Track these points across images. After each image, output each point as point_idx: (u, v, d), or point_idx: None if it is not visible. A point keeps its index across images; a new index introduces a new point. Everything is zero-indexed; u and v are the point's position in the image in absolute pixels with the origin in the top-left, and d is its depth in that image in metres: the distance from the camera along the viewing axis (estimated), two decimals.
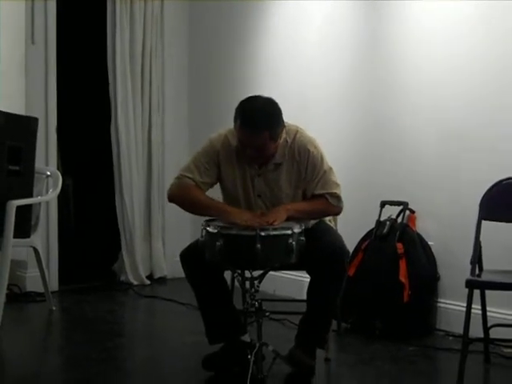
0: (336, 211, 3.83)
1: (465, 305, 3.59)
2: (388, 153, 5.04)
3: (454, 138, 4.61)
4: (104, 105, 6.41)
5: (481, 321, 3.90)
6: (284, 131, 3.70)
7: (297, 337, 3.79)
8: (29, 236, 5.19)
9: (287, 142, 3.71)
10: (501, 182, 3.87)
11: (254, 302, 3.54)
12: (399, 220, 4.79)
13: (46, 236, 5.91)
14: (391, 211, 4.84)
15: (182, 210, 3.86)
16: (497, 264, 3.90)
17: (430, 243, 4.72)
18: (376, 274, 4.62)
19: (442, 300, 4.69)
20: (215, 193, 3.85)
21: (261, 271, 3.62)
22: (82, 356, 4.20)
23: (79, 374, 3.91)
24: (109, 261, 6.61)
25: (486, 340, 3.96)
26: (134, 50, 6.36)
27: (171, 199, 3.81)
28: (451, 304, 4.59)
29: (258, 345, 3.52)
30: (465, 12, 4.57)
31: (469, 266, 3.70)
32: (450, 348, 4.24)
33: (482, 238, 3.79)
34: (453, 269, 4.54)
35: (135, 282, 6.32)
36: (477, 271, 3.73)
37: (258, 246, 3.39)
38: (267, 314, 3.61)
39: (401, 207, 4.82)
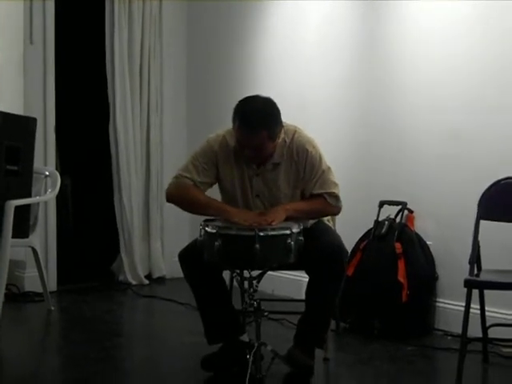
0: (335, 211, 3.84)
1: (463, 304, 3.60)
2: (386, 153, 5.05)
3: (453, 138, 4.61)
4: (102, 105, 6.40)
5: (479, 320, 3.90)
6: (282, 131, 3.70)
7: (295, 337, 3.80)
8: (27, 236, 5.19)
9: (285, 141, 3.71)
10: (499, 181, 3.88)
11: (252, 301, 3.54)
12: (398, 220, 4.79)
13: (45, 236, 5.90)
14: (390, 211, 4.84)
15: (181, 210, 3.86)
16: (495, 264, 3.90)
17: (428, 243, 4.72)
18: (374, 274, 4.62)
19: (441, 300, 4.69)
20: (214, 193, 3.84)
21: (259, 271, 3.62)
22: (80, 356, 4.20)
23: (77, 373, 3.92)
24: (107, 261, 6.60)
25: (485, 340, 3.97)
26: (132, 50, 6.35)
27: (169, 199, 3.82)
28: (450, 304, 4.59)
29: (256, 345, 3.52)
30: (462, 12, 4.57)
31: (467, 266, 3.70)
32: (449, 348, 4.24)
33: (480, 238, 3.79)
34: (451, 268, 4.55)
35: (134, 282, 6.31)
36: (475, 271, 3.73)
37: (257, 246, 3.39)
38: (266, 313, 3.61)
39: (399, 207, 4.82)
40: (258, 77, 6.08)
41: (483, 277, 3.70)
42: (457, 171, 4.60)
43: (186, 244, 3.86)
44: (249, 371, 3.44)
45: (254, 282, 3.56)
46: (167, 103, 6.64)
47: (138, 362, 4.27)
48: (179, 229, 6.37)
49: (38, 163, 5.44)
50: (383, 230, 4.74)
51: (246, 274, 3.64)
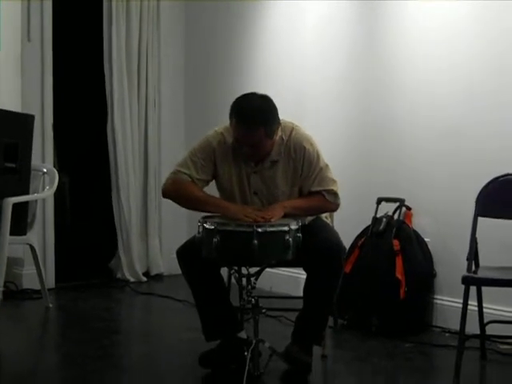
0: (333, 208, 3.84)
1: (461, 301, 3.60)
2: (384, 150, 5.05)
3: (451, 136, 4.62)
4: (100, 102, 6.40)
5: (477, 317, 3.90)
6: (280, 128, 3.70)
7: (293, 333, 3.80)
8: (25, 233, 5.19)
9: (283, 139, 3.71)
10: (497, 178, 3.88)
11: (250, 298, 3.54)
12: (395, 217, 4.79)
13: (43, 233, 5.90)
14: (387, 208, 4.84)
15: (179, 207, 3.87)
16: (493, 261, 3.90)
17: (426, 240, 4.72)
18: (372, 271, 4.62)
19: (439, 297, 4.69)
20: (212, 192, 3.84)
21: (257, 268, 3.62)
22: (78, 353, 4.20)
23: (75, 371, 3.92)
24: (105, 258, 6.60)
25: (483, 336, 3.97)
26: (130, 48, 6.35)
27: (166, 194, 3.81)
28: (447, 300, 4.59)
29: (254, 342, 3.52)
30: (460, 12, 4.57)
31: (465, 263, 3.70)
32: (447, 344, 4.25)
33: (478, 235, 3.79)
34: (449, 265, 4.55)
35: (132, 279, 6.31)
36: (473, 268, 3.73)
37: (255, 242, 3.39)
38: (264, 310, 3.62)
39: (397, 204, 4.82)
40: (255, 74, 6.08)
41: (481, 273, 3.70)
42: (455, 168, 4.61)
43: (183, 241, 3.86)
44: (247, 368, 3.45)
45: (252, 278, 3.56)
46: (165, 101, 6.64)
47: (136, 359, 4.27)
48: (177, 226, 6.37)
49: (35, 160, 5.45)
50: (381, 227, 4.74)
51: (244, 270, 3.64)
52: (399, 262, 4.56)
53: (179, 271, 3.84)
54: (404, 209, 4.81)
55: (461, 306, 3.59)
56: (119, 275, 6.40)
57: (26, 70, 5.88)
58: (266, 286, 5.38)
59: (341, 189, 3.80)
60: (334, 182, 3.76)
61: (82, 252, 6.68)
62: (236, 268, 3.71)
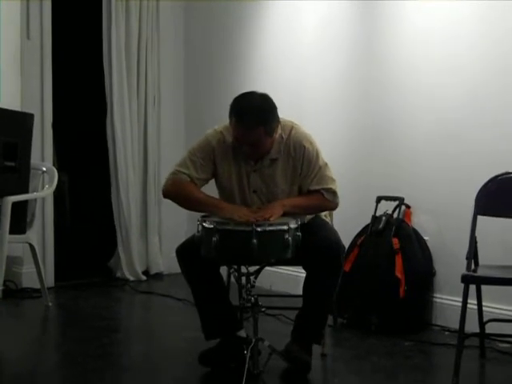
0: (332, 206, 3.84)
1: (461, 300, 3.60)
2: (384, 149, 5.05)
3: (451, 137, 4.62)
4: (100, 101, 6.40)
5: (477, 316, 3.90)
6: (279, 127, 3.70)
7: (293, 332, 3.80)
8: (24, 232, 5.20)
9: (282, 137, 3.71)
10: (496, 177, 3.88)
11: (250, 297, 3.54)
12: (395, 215, 4.80)
13: (42, 232, 5.90)
14: (387, 206, 4.84)
15: (178, 206, 3.86)
16: (492, 259, 3.91)
17: (425, 238, 4.72)
18: (372, 270, 4.63)
19: (438, 295, 4.69)
20: (211, 190, 3.84)
21: (257, 266, 3.62)
22: (78, 352, 4.20)
23: (75, 370, 3.92)
24: (105, 257, 6.60)
25: (482, 335, 3.97)
26: (129, 45, 6.35)
27: (166, 195, 3.82)
28: (447, 299, 4.60)
29: (254, 340, 3.52)
30: (462, 12, 4.56)
31: (464, 261, 3.70)
32: (446, 343, 4.25)
33: (477, 233, 3.79)
34: (449, 264, 4.55)
35: (131, 278, 6.31)
36: (472, 266, 3.73)
37: (254, 241, 3.39)
38: (263, 309, 3.61)
39: (396, 202, 4.82)
40: (255, 72, 6.08)
41: (480, 272, 3.70)
42: (454, 167, 4.61)
43: (183, 240, 3.86)
44: (246, 367, 3.44)
45: (252, 277, 3.56)
46: (165, 98, 6.65)
47: (136, 358, 4.28)
48: (177, 225, 6.38)
49: (35, 159, 5.45)
50: (380, 226, 4.74)
51: (243, 269, 3.64)
52: (399, 260, 4.56)
53: (179, 270, 3.84)
54: (403, 207, 4.82)
55: (460, 304, 3.59)
56: (119, 274, 6.40)
57: (26, 68, 5.88)
58: (265, 284, 5.39)
59: (340, 188, 3.80)
60: (333, 180, 3.76)
61: (81, 251, 6.69)
62: (235, 267, 3.71)
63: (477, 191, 3.87)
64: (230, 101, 3.65)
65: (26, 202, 5.21)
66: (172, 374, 3.90)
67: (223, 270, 3.86)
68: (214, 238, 3.44)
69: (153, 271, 6.56)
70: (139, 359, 4.22)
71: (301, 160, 3.71)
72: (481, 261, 3.81)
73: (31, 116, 5.27)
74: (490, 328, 3.96)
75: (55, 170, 5.42)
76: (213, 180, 3.86)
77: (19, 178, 5.11)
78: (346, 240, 4.25)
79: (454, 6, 4.60)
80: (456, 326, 3.67)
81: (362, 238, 4.81)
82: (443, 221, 4.68)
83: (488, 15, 4.44)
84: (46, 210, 5.94)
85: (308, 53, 5.60)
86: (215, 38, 6.49)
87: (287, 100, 5.24)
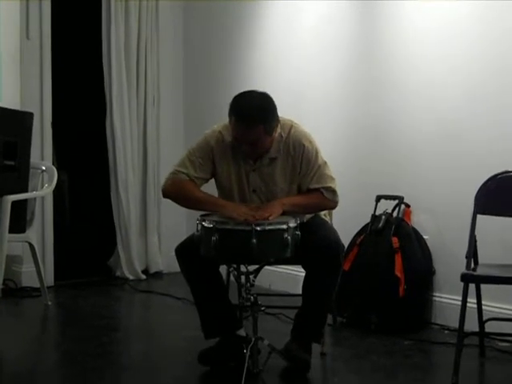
0: (331, 205, 3.84)
1: (460, 299, 3.60)
2: (383, 148, 5.05)
3: (451, 136, 4.61)
4: (99, 100, 6.40)
5: (476, 315, 3.90)
6: (279, 126, 3.70)
7: (292, 331, 3.80)
8: (24, 231, 5.20)
9: (282, 136, 3.71)
10: (496, 176, 3.88)
11: (249, 296, 3.55)
12: (395, 214, 4.80)
13: (42, 231, 5.90)
14: (386, 205, 4.84)
15: (178, 205, 3.87)
16: (492, 258, 3.91)
17: (425, 237, 4.72)
18: (371, 269, 4.63)
19: (438, 294, 4.70)
20: (210, 189, 3.84)
21: (256, 266, 3.62)
22: (77, 351, 4.20)
23: (75, 369, 3.92)
24: (104, 256, 6.60)
25: (482, 334, 3.97)
26: (129, 45, 6.34)
27: (165, 195, 3.82)
28: (447, 298, 4.60)
29: (253, 339, 3.52)
30: (462, 12, 4.56)
31: (464, 260, 3.70)
32: (446, 342, 4.25)
33: (477, 232, 3.79)
34: (448, 263, 4.55)
35: (131, 277, 6.31)
36: (472, 265, 3.73)
37: (254, 240, 3.39)
38: (263, 308, 3.62)
39: (396, 201, 4.82)
40: (254, 72, 6.08)
41: (480, 271, 3.70)
42: (454, 166, 4.61)
43: (183, 239, 3.86)
44: (246, 366, 3.45)
45: (251, 276, 3.56)
46: (164, 98, 6.64)
47: (136, 357, 4.28)
48: (176, 224, 6.37)
49: (34, 158, 5.44)
50: (380, 225, 4.74)
51: (242, 268, 3.64)
52: (398, 259, 4.56)
53: (178, 269, 3.84)
54: (403, 206, 4.81)
55: (460, 303, 3.60)
56: (118, 273, 6.40)
57: (25, 67, 5.88)
58: (264, 283, 5.39)
59: (340, 187, 3.79)
60: (333, 179, 3.76)
61: (80, 250, 6.68)
62: (235, 266, 3.71)
63: (476, 190, 3.87)
64: (229, 101, 3.65)
65: (25, 200, 5.21)
66: (171, 372, 3.90)
67: (223, 269, 3.86)
68: (214, 238, 3.44)
69: (152, 270, 6.56)
70: (139, 358, 4.22)
71: (300, 159, 3.71)
72: (480, 260, 3.82)
73: (31, 115, 5.27)
74: (490, 327, 3.96)
75: (55, 169, 5.42)
76: (212, 180, 3.86)
77: (19, 176, 5.11)
78: (346, 239, 4.25)
79: (452, 6, 4.60)
80: (455, 324, 3.67)
81: (362, 237, 4.81)
82: (443, 220, 4.68)
83: (486, 15, 4.44)
84: (45, 208, 5.94)
85: (307, 52, 5.60)
86: (214, 38, 6.49)
87: (287, 100, 5.22)
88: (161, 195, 3.92)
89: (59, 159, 6.81)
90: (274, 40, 5.92)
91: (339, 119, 5.36)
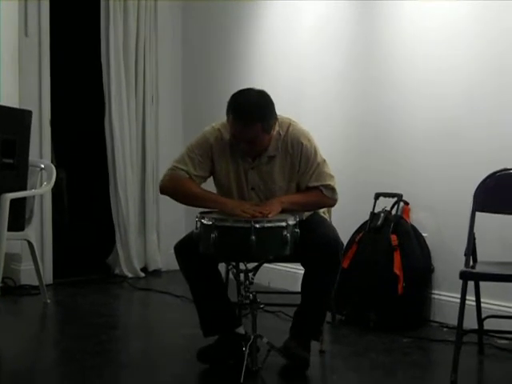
0: (330, 203, 3.84)
1: (459, 296, 3.60)
2: (383, 148, 5.05)
3: (449, 134, 4.62)
4: (98, 98, 6.39)
5: (475, 312, 3.91)
6: (277, 124, 3.70)
7: (291, 329, 3.80)
8: (23, 229, 5.19)
9: (280, 134, 3.71)
10: (495, 173, 3.88)
11: (248, 294, 3.55)
12: (393, 212, 4.80)
13: (40, 229, 5.90)
14: (385, 203, 4.84)
15: (177, 203, 3.87)
16: (491, 256, 3.91)
17: (424, 235, 4.73)
18: (370, 266, 4.63)
19: (437, 292, 4.70)
20: (209, 188, 3.84)
21: (255, 263, 3.63)
22: (76, 349, 4.20)
23: (74, 367, 3.92)
24: (103, 254, 6.60)
25: (480, 331, 3.97)
26: (127, 44, 6.34)
27: (163, 191, 3.81)
28: (445, 296, 4.60)
29: (252, 337, 3.53)
30: (460, 12, 4.56)
31: (463, 258, 3.70)
32: (445, 339, 4.26)
33: (476, 230, 3.79)
34: (447, 260, 4.56)
35: (130, 275, 6.31)
36: (471, 263, 3.73)
37: (253, 238, 3.40)
38: (262, 306, 3.63)
39: (395, 199, 4.82)
40: (253, 72, 6.08)
41: (479, 268, 3.71)
42: (452, 163, 4.61)
43: (182, 236, 3.86)
44: (245, 363, 3.46)
45: (250, 274, 3.57)
46: (163, 98, 6.64)
47: (134, 355, 4.28)
48: (175, 221, 6.38)
49: (33, 156, 5.44)
50: (379, 222, 4.74)
51: (242, 266, 3.64)
52: (397, 257, 4.56)
53: (177, 267, 3.84)
54: (402, 204, 4.81)
55: (459, 301, 3.60)
56: (117, 271, 6.40)
57: (24, 65, 5.87)
58: (263, 281, 5.39)
59: (339, 184, 3.80)
60: (332, 177, 3.76)
61: (79, 248, 6.68)
62: (234, 263, 3.71)
63: (475, 188, 3.87)
64: (227, 99, 3.66)
65: (24, 198, 5.20)
66: (170, 370, 3.90)
67: (222, 267, 3.85)
68: (213, 235, 3.44)
69: (151, 268, 6.56)
70: (137, 356, 4.22)
71: (299, 157, 3.71)
72: (479, 257, 3.82)
73: (29, 113, 5.27)
74: (489, 324, 3.97)
75: (53, 167, 5.43)
76: (211, 178, 3.85)
77: (17, 174, 5.11)
78: (345, 237, 4.25)
79: (451, 6, 4.60)
80: (454, 322, 3.67)
81: (361, 234, 4.81)
82: (442, 217, 4.69)
83: (483, 15, 4.45)
84: (44, 206, 5.94)
85: (306, 52, 5.60)
86: (213, 38, 6.49)
87: (286, 98, 5.25)
88: (159, 193, 3.91)
89: (58, 157, 6.81)
90: (272, 40, 5.92)
91: (338, 117, 5.36)
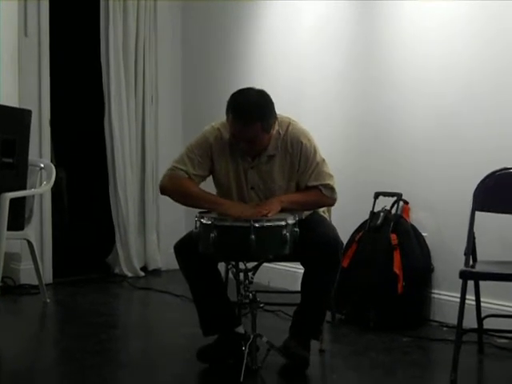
0: (330, 202, 3.84)
1: (459, 296, 3.60)
2: (383, 147, 5.05)
3: (448, 134, 4.62)
4: (97, 98, 6.39)
5: (475, 311, 3.91)
6: (276, 123, 3.70)
7: (291, 328, 3.80)
8: (22, 228, 5.19)
9: (280, 133, 3.71)
10: (494, 173, 3.87)
11: (248, 293, 3.56)
12: (393, 211, 4.80)
13: (40, 228, 5.90)
14: (385, 202, 4.84)
15: (175, 203, 3.86)
16: (490, 255, 3.91)
17: (423, 234, 4.72)
18: (370, 266, 4.62)
19: (436, 291, 4.70)
20: (209, 187, 3.84)
21: (255, 263, 3.63)
22: (76, 348, 4.20)
23: (74, 366, 3.92)
24: (103, 253, 6.60)
25: (480, 330, 3.97)
26: (127, 44, 6.33)
27: (163, 191, 3.81)
28: (445, 295, 4.60)
29: (252, 336, 3.53)
30: (458, 12, 4.56)
31: (463, 257, 3.70)
32: (444, 339, 4.26)
33: (475, 229, 3.79)
34: (447, 260, 4.55)
35: (129, 274, 6.31)
36: (471, 262, 3.73)
37: (252, 237, 3.39)
38: (261, 305, 3.63)
39: (395, 198, 4.82)
40: (252, 72, 6.08)
41: (478, 268, 3.71)
42: (452, 163, 4.61)
43: (181, 236, 3.86)
44: (244, 363, 3.46)
45: (250, 273, 3.57)
46: (162, 98, 6.64)
47: (134, 355, 4.28)
48: (175, 221, 6.37)
49: (33, 155, 5.45)
50: (379, 222, 4.74)
51: (241, 265, 3.64)
52: (397, 256, 4.56)
53: (177, 266, 3.84)
54: (401, 203, 4.81)
55: (458, 300, 3.60)
56: (117, 270, 6.40)
57: (23, 65, 5.87)
58: (263, 280, 5.39)
59: (339, 184, 3.80)
60: (331, 176, 3.76)
61: (79, 247, 6.68)
62: (233, 263, 3.71)
63: (475, 187, 3.87)
64: (227, 99, 3.66)
65: (23, 198, 5.20)
66: (170, 370, 3.89)
67: (221, 267, 3.85)
68: (212, 234, 3.44)
69: (151, 267, 6.56)
70: (137, 355, 4.23)
71: (298, 156, 3.71)
72: (479, 257, 3.82)
73: (29, 112, 5.27)
74: (488, 323, 3.97)
75: (53, 167, 5.43)
76: (210, 178, 3.85)
77: (17, 174, 5.11)
78: (344, 236, 4.25)
79: (450, 6, 4.60)
80: (454, 321, 3.67)
81: (360, 233, 4.81)
82: (441, 217, 4.69)
83: (481, 15, 4.45)
84: (43, 206, 5.94)
85: (306, 52, 5.60)
86: (213, 38, 6.49)
87: (286, 99, 5.23)
88: (159, 193, 3.92)
89: (57, 157, 6.80)
90: (272, 40, 5.92)
91: (338, 117, 5.36)
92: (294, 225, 3.54)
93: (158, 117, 6.62)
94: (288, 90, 5.63)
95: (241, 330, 3.81)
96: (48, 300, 5.34)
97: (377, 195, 4.89)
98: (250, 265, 3.60)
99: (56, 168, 5.45)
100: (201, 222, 3.53)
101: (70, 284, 5.98)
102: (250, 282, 3.56)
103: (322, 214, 3.95)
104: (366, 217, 4.85)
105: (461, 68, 4.56)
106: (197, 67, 6.65)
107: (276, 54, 5.87)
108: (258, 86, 3.77)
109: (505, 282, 3.79)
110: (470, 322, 3.81)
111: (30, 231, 5.30)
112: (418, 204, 4.80)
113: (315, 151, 3.73)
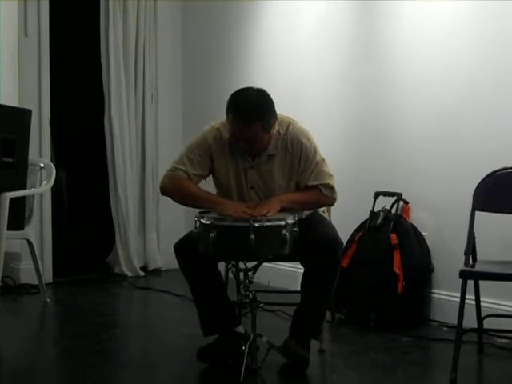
0: (330, 202, 3.84)
1: (459, 295, 3.60)
2: (383, 147, 5.04)
3: (448, 134, 4.62)
4: (98, 97, 6.39)
5: (475, 311, 3.91)
6: (276, 122, 3.70)
7: (291, 328, 3.80)
8: (22, 228, 5.19)
9: (280, 133, 3.71)
10: (494, 172, 3.88)
11: (248, 293, 3.56)
12: (393, 211, 4.80)
13: (40, 228, 5.90)
14: (385, 202, 4.84)
15: (176, 203, 3.86)
16: (490, 255, 3.91)
17: (423, 234, 4.72)
18: (370, 265, 4.62)
19: (436, 291, 4.70)
20: (208, 186, 3.84)
21: (255, 262, 3.63)
22: (76, 348, 4.20)
23: (74, 366, 3.92)
24: (103, 253, 6.60)
25: (480, 330, 3.97)
26: (127, 43, 6.34)
27: (163, 192, 3.81)
28: (445, 295, 4.60)
29: (252, 336, 3.53)
30: (458, 12, 4.56)
31: (463, 257, 3.70)
32: (444, 338, 4.26)
33: (475, 229, 3.79)
34: (447, 259, 4.55)
35: (129, 274, 6.31)
36: (470, 262, 3.73)
37: (252, 237, 3.39)
38: (261, 305, 3.63)
39: (394, 198, 4.82)
40: (252, 72, 6.08)
41: (478, 267, 3.71)
42: (452, 163, 4.61)
43: (181, 235, 3.86)
44: (244, 362, 3.46)
45: (250, 273, 3.57)
46: (162, 97, 6.64)
47: (134, 354, 4.28)
48: (175, 221, 6.37)
49: (33, 155, 5.45)
50: (378, 221, 4.74)
51: (241, 265, 3.64)
52: (397, 256, 4.56)
53: (177, 266, 3.84)
54: (401, 203, 4.81)
55: (458, 300, 3.60)
56: (117, 270, 6.40)
57: (23, 65, 5.87)
58: (263, 280, 5.39)
59: (339, 184, 3.80)
60: (331, 176, 3.76)
61: (79, 247, 6.67)
62: (233, 263, 3.71)
63: (475, 187, 3.87)
64: (226, 98, 3.66)
65: (23, 197, 5.20)
66: (170, 369, 3.90)
67: (221, 266, 3.85)
68: (212, 234, 3.44)
69: (151, 267, 6.56)
70: (137, 355, 4.23)
71: (298, 156, 3.71)
72: (479, 256, 3.82)
73: (29, 112, 5.27)
74: (488, 323, 3.97)
75: (53, 166, 5.43)
76: (210, 177, 3.85)
77: (17, 173, 5.12)
78: (344, 235, 4.25)
79: (450, 6, 4.60)
80: (454, 321, 3.68)
81: (360, 233, 4.81)
82: (441, 216, 4.69)
83: (481, 15, 4.45)
84: (43, 205, 5.94)
85: (306, 52, 5.60)
86: (213, 38, 6.49)
87: (286, 99, 5.22)
88: (159, 192, 3.92)
89: (57, 156, 6.80)
90: (272, 40, 5.92)
91: (338, 117, 5.36)
92: (293, 224, 3.54)
93: (158, 116, 6.62)
94: (288, 90, 5.63)
95: (241, 329, 3.81)
96: (48, 300, 5.34)
97: (377, 195, 4.89)
98: (250, 264, 3.60)
99: (56, 167, 5.45)
100: (200, 222, 3.53)
101: (70, 284, 5.98)
102: (250, 282, 3.56)
103: (322, 213, 3.95)
104: (366, 216, 4.85)
105: (461, 68, 4.56)
106: (197, 67, 6.65)
107: (276, 54, 5.87)
108: (258, 86, 3.77)
109: (505, 282, 3.80)
110: (469, 321, 3.82)
111: (30, 231, 5.30)
112: (417, 204, 4.80)
113: (315, 151, 3.73)
